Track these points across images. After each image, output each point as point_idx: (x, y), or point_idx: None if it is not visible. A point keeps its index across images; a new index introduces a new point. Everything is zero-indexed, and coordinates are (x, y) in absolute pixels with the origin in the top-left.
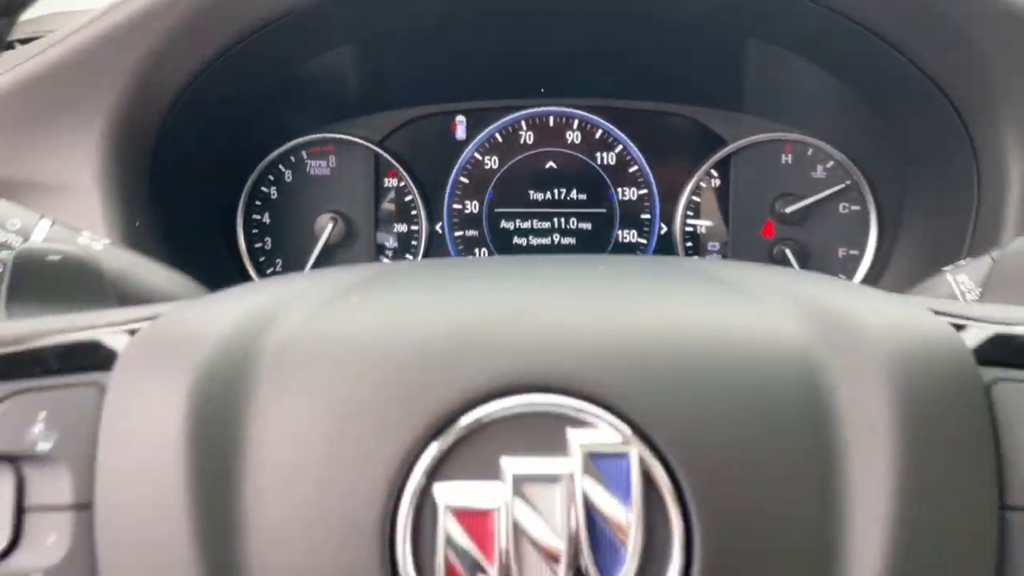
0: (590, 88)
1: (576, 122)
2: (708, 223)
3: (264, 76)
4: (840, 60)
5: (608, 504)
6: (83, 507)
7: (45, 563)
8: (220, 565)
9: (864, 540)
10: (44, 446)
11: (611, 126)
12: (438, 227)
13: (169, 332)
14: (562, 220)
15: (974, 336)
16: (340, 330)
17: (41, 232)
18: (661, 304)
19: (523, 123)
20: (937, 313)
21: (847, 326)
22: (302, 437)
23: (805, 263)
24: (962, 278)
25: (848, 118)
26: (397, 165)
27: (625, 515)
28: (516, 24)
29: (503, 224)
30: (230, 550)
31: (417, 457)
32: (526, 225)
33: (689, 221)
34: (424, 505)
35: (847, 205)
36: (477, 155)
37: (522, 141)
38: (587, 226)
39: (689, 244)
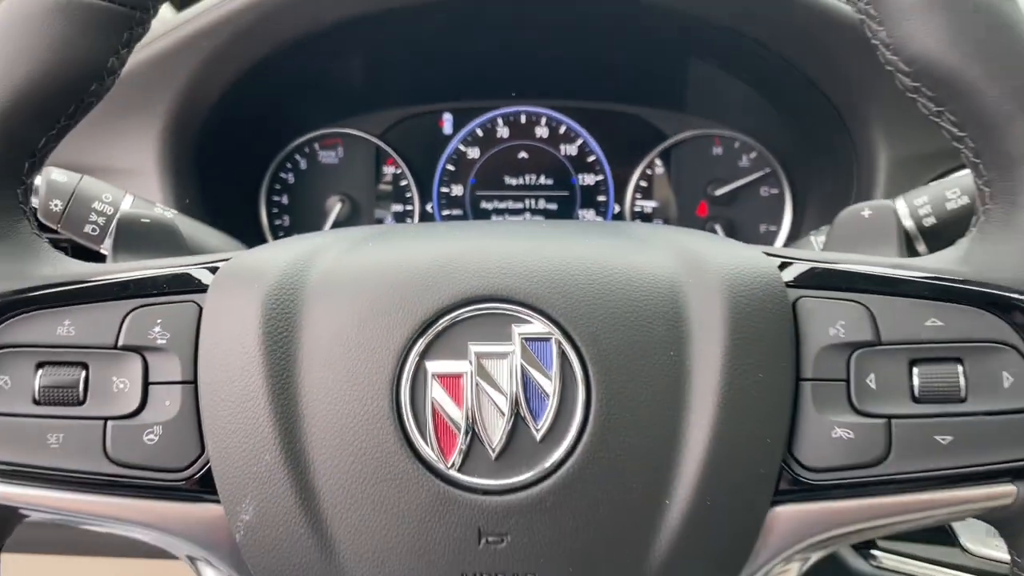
0: (556, 91)
1: (544, 119)
2: (654, 204)
3: (285, 82)
4: (753, 72)
5: (537, 371)
6: (189, 382)
7: (163, 419)
8: (283, 414)
9: (702, 397)
10: (161, 342)
11: (573, 123)
12: (428, 207)
13: (242, 267)
14: (532, 201)
15: (793, 269)
16: (361, 264)
17: (127, 204)
18: (579, 244)
19: (499, 120)
20: (767, 254)
21: (702, 261)
22: (337, 333)
23: (732, 236)
24: (820, 238)
25: (765, 117)
26: (394, 155)
27: (549, 378)
28: (493, 39)
29: (483, 205)
30: (290, 404)
31: (413, 344)
32: (503, 206)
33: (638, 202)
34: (418, 373)
35: (767, 189)
36: (461, 147)
37: (499, 135)
38: (553, 207)
39: (638, 221)
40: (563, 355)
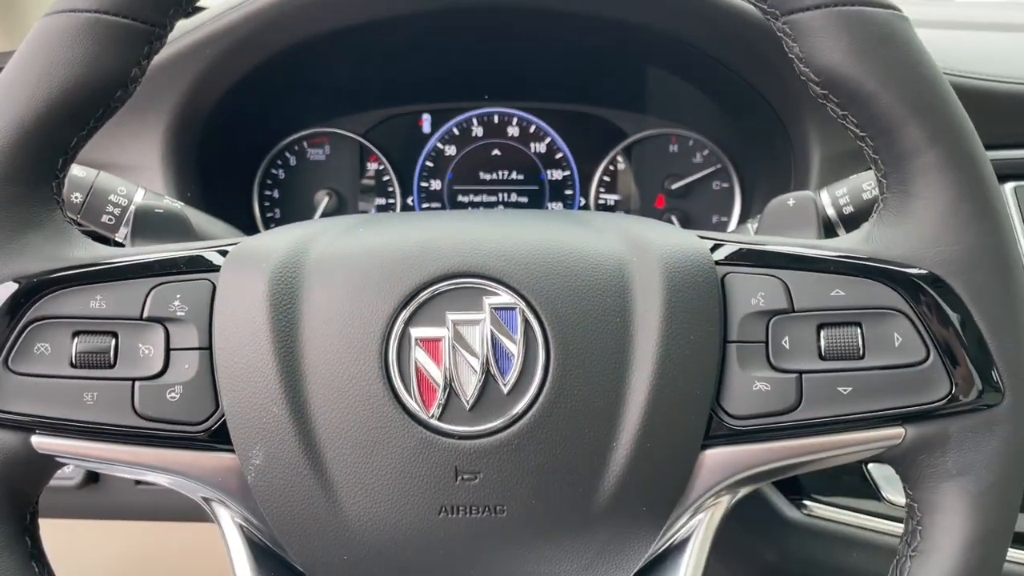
0: (526, 94)
1: (515, 119)
2: (616, 197)
3: (278, 85)
4: (701, 77)
5: (505, 336)
6: (205, 348)
7: (184, 380)
8: (288, 373)
9: (643, 357)
10: (180, 313)
11: (542, 123)
12: (409, 200)
13: (250, 249)
14: (505, 195)
15: (724, 250)
16: (354, 246)
17: (140, 196)
18: (540, 229)
19: (475, 120)
20: (701, 237)
21: (644, 243)
22: (334, 304)
23: (688, 227)
24: (754, 225)
25: (715, 118)
26: (377, 152)
27: (514, 342)
28: (467, 48)
29: (460, 198)
30: (293, 365)
31: (399, 313)
32: (478, 199)
33: (601, 196)
34: (403, 338)
35: (718, 183)
36: (439, 145)
37: (474, 134)
38: (524, 200)
39: (593, 211)
40: (526, 322)
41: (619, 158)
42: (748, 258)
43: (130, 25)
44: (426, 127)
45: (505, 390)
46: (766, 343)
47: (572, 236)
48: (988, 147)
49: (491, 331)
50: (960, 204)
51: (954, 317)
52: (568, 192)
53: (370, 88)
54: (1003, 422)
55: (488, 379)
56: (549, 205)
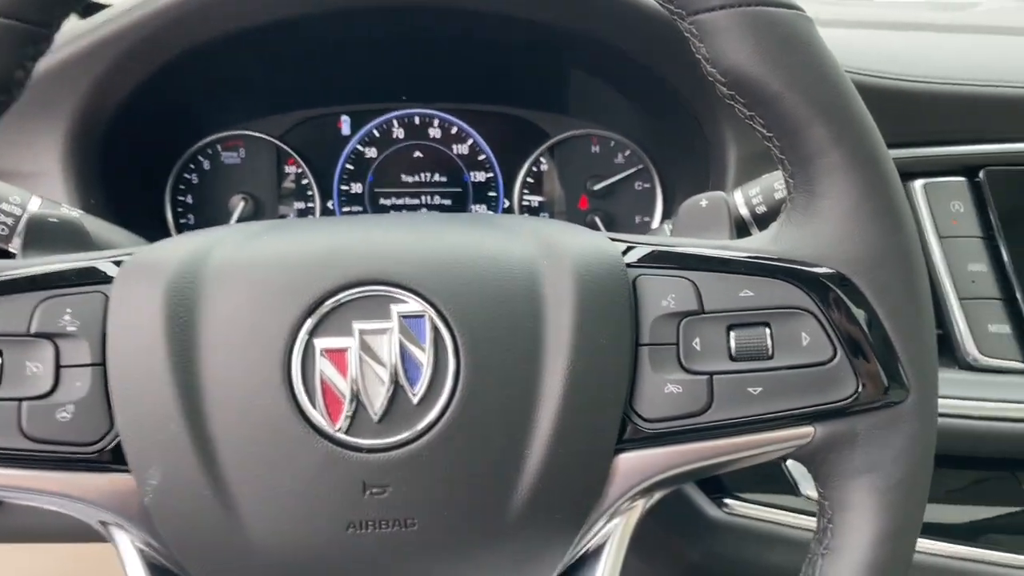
0: (447, 95)
1: (437, 121)
2: (541, 199)
3: (187, 87)
4: (620, 78)
5: (413, 345)
6: (98, 364)
7: (75, 398)
8: (185, 388)
9: (554, 363)
10: (71, 328)
11: (464, 124)
12: (329, 204)
13: (145, 260)
14: (428, 197)
15: (636, 252)
16: (255, 253)
17: (35, 205)
18: (450, 233)
19: (395, 121)
20: (614, 240)
21: (555, 246)
22: (233, 315)
23: (611, 228)
24: (669, 227)
25: (635, 119)
26: (295, 155)
27: (423, 350)
28: (385, 48)
29: (382, 201)
30: (191, 380)
31: (303, 323)
32: (400, 202)
33: (526, 197)
34: (307, 349)
35: (640, 183)
36: (359, 147)
37: (395, 136)
38: (448, 202)
39: (527, 215)
40: (436, 330)
41: (542, 159)
42: (659, 260)
43: (12, 25)
44: (345, 129)
45: (414, 401)
46: (677, 345)
47: (483, 240)
48: (897, 145)
49: (400, 340)
50: (864, 203)
51: (859, 315)
52: (492, 194)
53: (285, 89)
54: (909, 418)
55: (397, 390)
56: (473, 207)
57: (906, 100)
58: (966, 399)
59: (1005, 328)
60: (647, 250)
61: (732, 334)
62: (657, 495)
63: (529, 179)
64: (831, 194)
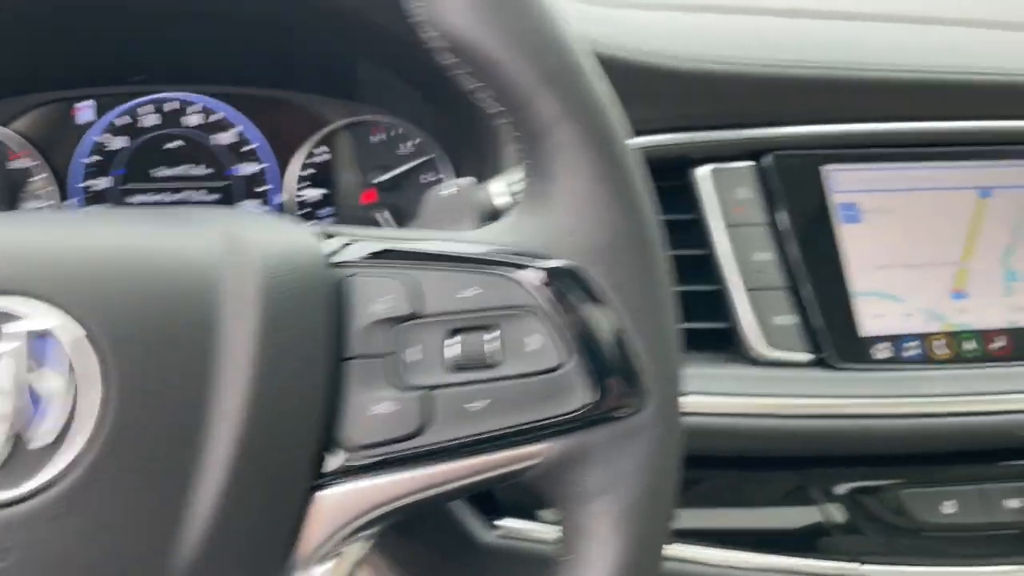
0: (208, 77)
1: (197, 106)
2: (323, 191)
3: None
4: (397, 61)
5: (44, 370)
6: None
7: None
8: None
9: (232, 385)
10: None
11: (230, 109)
12: (71, 203)
13: None
14: (190, 193)
15: (354, 248)
16: None
17: None
18: (109, 232)
19: (148, 107)
20: (328, 234)
21: (243, 242)
22: None
23: (402, 223)
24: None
25: (421, 106)
26: (25, 147)
27: (58, 376)
28: (136, 21)
29: (134, 198)
30: None
31: None
32: (156, 199)
33: (304, 191)
34: None
35: (427, 175)
36: (102, 137)
37: (147, 124)
38: (213, 198)
39: (308, 211)
40: (75, 350)
41: (322, 149)
42: (379, 257)
43: None
44: (88, 115)
45: (42, 442)
46: (389, 356)
47: (151, 238)
48: (683, 128)
49: (17, 366)
50: (598, 186)
51: (592, 314)
52: (263, 188)
53: (7, 69)
54: (649, 427)
55: (20, 430)
56: (245, 203)
57: (691, 81)
58: (751, 395)
59: (790, 319)
60: (370, 246)
61: (455, 340)
62: (373, 532)
63: (306, 171)
64: (563, 176)
